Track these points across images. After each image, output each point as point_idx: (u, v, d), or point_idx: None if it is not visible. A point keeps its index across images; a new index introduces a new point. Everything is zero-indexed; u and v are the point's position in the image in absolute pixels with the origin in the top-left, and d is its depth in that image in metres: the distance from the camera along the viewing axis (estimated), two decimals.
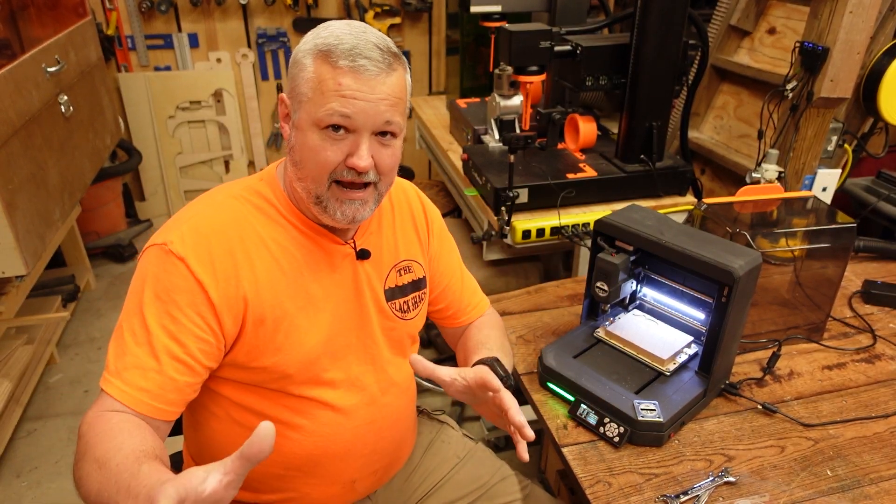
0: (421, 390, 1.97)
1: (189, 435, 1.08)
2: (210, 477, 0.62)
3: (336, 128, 0.86)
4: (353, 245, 1.00)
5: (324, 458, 1.02)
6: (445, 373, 0.94)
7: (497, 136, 1.90)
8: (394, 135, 0.90)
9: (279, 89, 3.43)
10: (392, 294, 1.06)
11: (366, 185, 0.91)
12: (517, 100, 1.87)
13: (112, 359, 0.87)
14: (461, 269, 1.22)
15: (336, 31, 0.87)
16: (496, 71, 1.87)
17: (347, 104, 0.85)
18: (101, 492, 0.75)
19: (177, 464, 1.21)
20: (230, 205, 0.94)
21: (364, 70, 0.84)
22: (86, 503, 0.78)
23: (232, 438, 0.98)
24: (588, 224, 1.59)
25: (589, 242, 1.36)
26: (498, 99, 1.88)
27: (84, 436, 0.82)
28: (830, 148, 1.77)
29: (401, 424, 1.12)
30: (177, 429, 1.27)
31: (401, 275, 1.07)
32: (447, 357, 2.41)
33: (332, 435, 1.01)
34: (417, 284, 1.10)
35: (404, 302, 1.08)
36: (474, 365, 1.01)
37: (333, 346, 0.99)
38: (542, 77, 1.71)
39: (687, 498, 0.99)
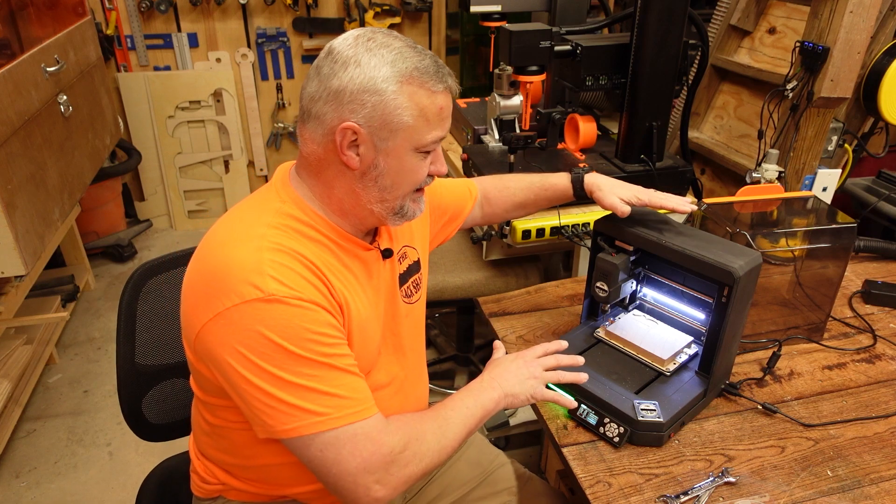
0: None
1: (204, 440, 1.07)
2: None
3: None
4: (377, 247, 1.02)
5: None
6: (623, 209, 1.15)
7: (497, 136, 1.90)
8: None
9: (279, 89, 3.43)
10: (399, 282, 1.08)
11: None
12: (517, 100, 1.87)
13: (309, 405, 0.84)
14: (442, 185, 1.28)
15: (404, 52, 0.87)
16: (496, 71, 1.87)
17: (446, 126, 0.92)
18: (464, 428, 0.96)
19: (182, 464, 1.20)
20: (278, 234, 0.89)
21: (451, 89, 0.91)
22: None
23: (264, 444, 0.97)
24: (588, 224, 1.59)
25: (589, 242, 1.35)
26: (498, 99, 1.88)
27: (408, 446, 0.90)
28: (831, 148, 1.77)
29: (419, 409, 1.14)
30: (182, 429, 1.27)
31: (401, 262, 1.09)
32: (447, 357, 2.41)
33: None
34: (414, 267, 1.13)
35: (407, 287, 1.10)
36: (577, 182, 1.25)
37: (380, 345, 1.03)
38: (542, 77, 1.70)
39: (687, 498, 0.99)
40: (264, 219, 0.91)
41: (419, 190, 0.97)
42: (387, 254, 1.03)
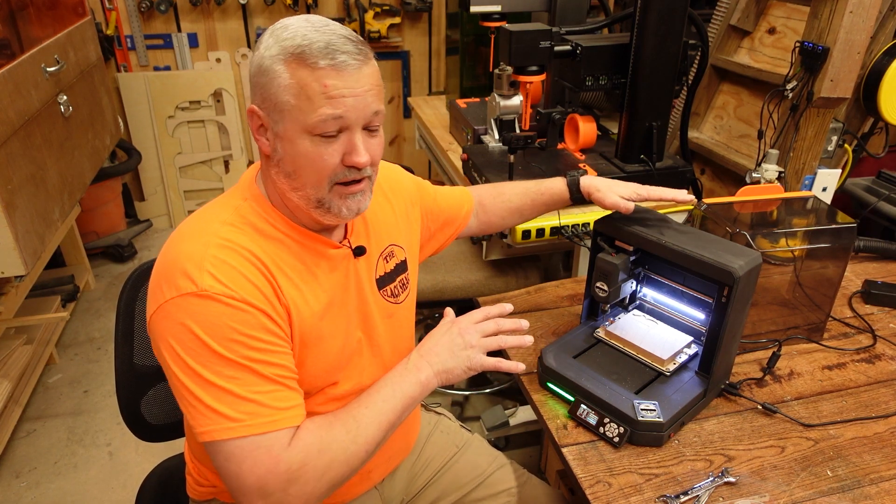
0: None
1: (195, 443, 1.07)
2: None
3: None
4: (348, 244, 1.00)
5: None
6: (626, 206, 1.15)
7: (497, 136, 1.90)
8: (379, 124, 0.90)
9: None
10: (382, 282, 1.06)
11: (362, 179, 0.91)
12: (517, 100, 1.87)
13: (224, 408, 0.82)
14: (437, 193, 1.25)
15: (301, 31, 0.83)
16: (496, 71, 1.87)
17: (338, 104, 0.82)
18: (379, 428, 0.90)
19: (182, 464, 1.21)
20: (230, 231, 0.89)
21: (346, 66, 0.82)
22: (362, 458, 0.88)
23: None
24: (588, 224, 1.59)
25: (589, 242, 1.35)
26: (498, 99, 1.88)
27: (307, 461, 0.84)
28: (830, 148, 1.77)
29: None
30: (181, 430, 1.27)
31: (387, 261, 1.08)
32: None
33: None
34: (401, 267, 1.11)
35: (393, 287, 1.08)
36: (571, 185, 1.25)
37: (349, 346, 1.00)
38: (542, 77, 1.70)
39: (687, 498, 0.99)
40: (222, 216, 0.90)
41: (342, 184, 0.88)
42: (359, 251, 1.00)
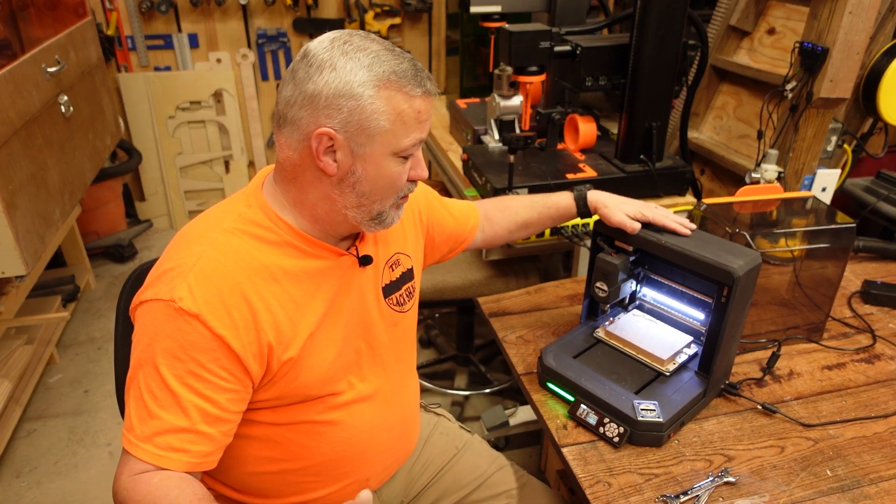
0: (422, 390, 1.98)
1: None
2: None
3: None
4: (355, 253, 1.00)
5: (342, 461, 1.03)
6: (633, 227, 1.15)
7: (497, 137, 1.90)
8: None
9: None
10: (388, 290, 1.06)
11: None
12: (517, 100, 1.87)
13: (136, 421, 0.84)
14: (443, 205, 1.25)
15: (381, 55, 0.85)
16: (496, 71, 1.87)
17: (425, 128, 0.89)
18: None
19: None
20: (228, 242, 0.89)
21: (431, 93, 0.89)
22: None
23: (246, 452, 0.98)
24: (588, 224, 1.59)
25: (589, 242, 1.36)
26: (498, 99, 1.88)
27: (126, 502, 0.82)
28: (830, 148, 1.77)
29: (409, 419, 1.14)
30: None
31: (392, 269, 1.08)
32: (447, 357, 2.41)
33: (349, 438, 1.02)
34: (407, 276, 1.11)
35: (399, 295, 1.09)
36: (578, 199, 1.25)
37: (346, 356, 1.00)
38: (542, 77, 1.71)
39: (687, 498, 0.99)
40: (224, 223, 0.91)
41: (403, 197, 0.96)
42: (365, 261, 1.00)
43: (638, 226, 1.15)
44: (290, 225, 0.93)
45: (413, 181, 0.94)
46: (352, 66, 0.83)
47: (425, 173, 0.94)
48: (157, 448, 0.83)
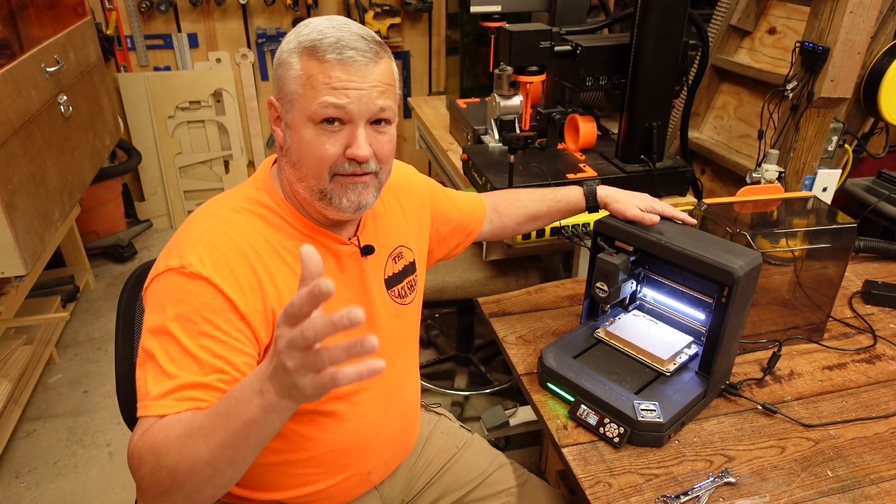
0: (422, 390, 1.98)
1: None
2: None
3: (331, 120, 0.87)
4: (357, 242, 1.00)
5: (344, 452, 1.04)
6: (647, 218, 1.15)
7: (497, 137, 1.90)
8: (388, 121, 0.91)
9: None
10: (390, 282, 1.07)
11: (366, 173, 0.92)
12: (517, 100, 1.87)
13: (152, 385, 0.81)
14: (448, 197, 1.25)
15: (318, 27, 0.87)
16: (496, 71, 1.86)
17: (340, 95, 0.85)
18: (221, 446, 0.73)
19: None
20: (235, 219, 0.92)
21: (352, 61, 0.85)
22: (216, 482, 0.75)
23: None
24: (588, 224, 1.58)
25: (589, 242, 1.35)
26: (498, 99, 1.87)
27: (154, 449, 0.76)
28: (831, 148, 1.77)
29: (409, 413, 1.15)
30: None
31: (395, 262, 1.08)
32: (447, 357, 2.41)
33: (351, 430, 1.03)
34: (409, 269, 1.11)
35: (401, 288, 1.09)
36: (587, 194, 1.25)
37: None
38: (542, 77, 1.70)
39: (687, 498, 0.99)
40: (231, 203, 0.94)
41: (341, 175, 0.89)
42: (367, 250, 1.01)
43: (656, 218, 1.15)
44: (293, 209, 0.95)
45: (351, 160, 0.89)
46: (291, 38, 0.89)
47: (361, 151, 0.87)
48: (174, 401, 0.80)
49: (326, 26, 0.87)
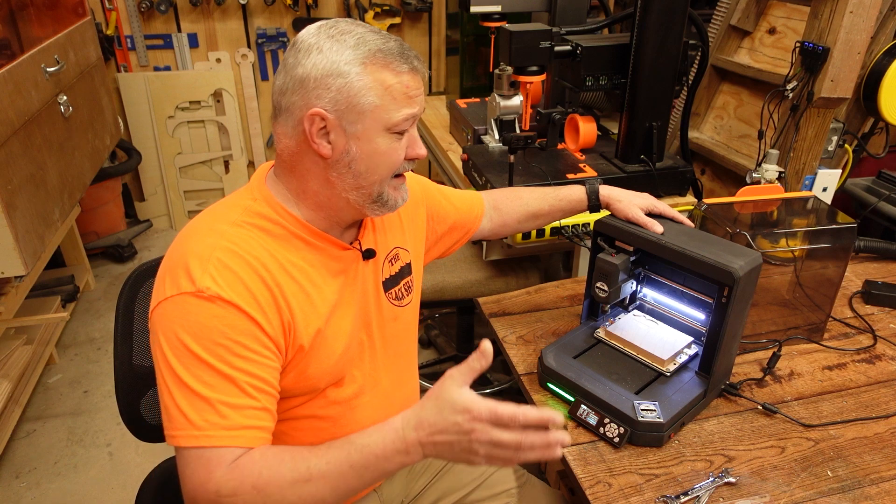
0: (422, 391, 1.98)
1: None
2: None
3: None
4: (358, 246, 1.00)
5: None
6: None
7: (497, 137, 1.90)
8: None
9: None
10: (387, 284, 1.07)
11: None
12: (517, 100, 1.87)
13: (194, 415, 0.80)
14: (444, 195, 1.25)
15: (367, 36, 0.86)
16: (496, 71, 1.87)
17: (415, 104, 0.90)
18: (351, 491, 0.82)
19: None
20: (238, 233, 0.89)
21: (419, 70, 0.90)
22: None
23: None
24: (588, 224, 1.58)
25: (589, 243, 1.35)
26: (498, 99, 1.88)
27: (259, 490, 0.78)
28: (831, 148, 1.77)
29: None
30: None
31: (392, 263, 1.08)
32: (447, 357, 2.41)
33: (353, 432, 1.02)
34: (406, 270, 1.11)
35: (398, 290, 1.09)
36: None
37: (352, 350, 1.00)
38: (542, 77, 1.70)
39: (687, 498, 0.99)
40: (231, 216, 0.91)
41: (399, 176, 0.95)
42: (368, 254, 1.01)
43: (660, 228, 1.15)
44: (296, 217, 0.93)
45: (411, 160, 0.94)
46: (338, 48, 0.85)
47: (423, 151, 0.95)
48: (229, 431, 0.81)
49: (373, 34, 0.87)
